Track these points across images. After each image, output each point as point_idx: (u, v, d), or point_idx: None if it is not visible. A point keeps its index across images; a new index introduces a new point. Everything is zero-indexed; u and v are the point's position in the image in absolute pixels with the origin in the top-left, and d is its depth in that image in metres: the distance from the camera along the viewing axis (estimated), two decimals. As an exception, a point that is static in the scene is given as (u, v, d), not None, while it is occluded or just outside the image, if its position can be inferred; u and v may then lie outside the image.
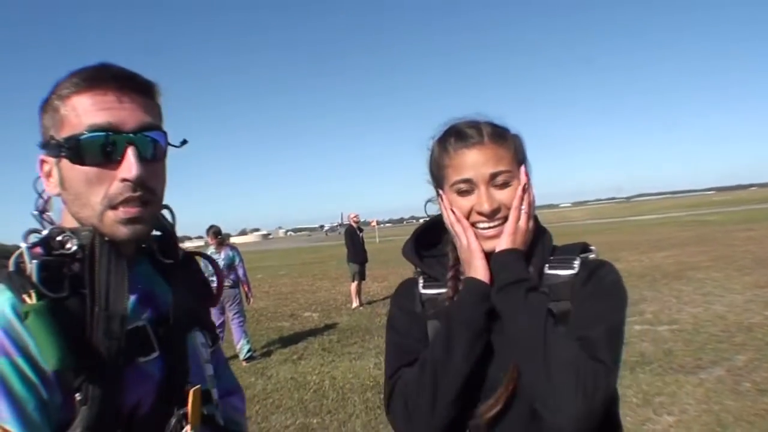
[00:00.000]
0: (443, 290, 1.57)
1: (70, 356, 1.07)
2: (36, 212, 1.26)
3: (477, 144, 1.47)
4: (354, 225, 14.52)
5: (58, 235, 1.20)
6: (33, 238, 1.19)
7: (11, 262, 1.14)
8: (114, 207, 1.18)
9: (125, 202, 1.18)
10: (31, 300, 1.07)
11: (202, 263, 1.61)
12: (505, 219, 1.47)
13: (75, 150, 1.16)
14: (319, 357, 9.16)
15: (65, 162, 1.18)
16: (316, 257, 38.88)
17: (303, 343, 10.40)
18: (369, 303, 14.41)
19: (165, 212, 1.41)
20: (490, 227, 1.47)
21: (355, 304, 13.89)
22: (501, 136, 1.50)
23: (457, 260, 1.58)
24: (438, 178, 1.57)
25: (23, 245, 1.15)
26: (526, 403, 1.37)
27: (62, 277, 1.14)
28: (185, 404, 1.26)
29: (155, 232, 1.40)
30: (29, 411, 1.06)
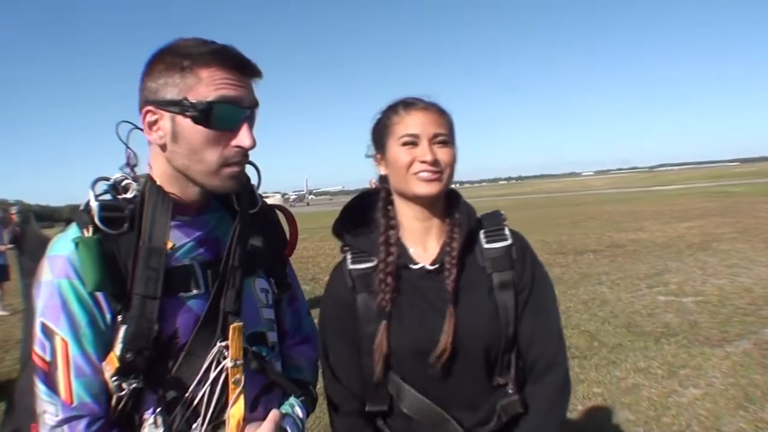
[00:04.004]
0: (370, 264, 1.76)
1: (107, 281, 1.32)
2: (125, 164, 1.48)
3: (423, 108, 1.73)
4: (374, 190, 14.43)
5: (122, 182, 1.45)
6: (102, 184, 1.44)
7: (83, 203, 1.40)
8: (228, 165, 1.42)
9: (237, 163, 1.43)
10: (88, 233, 1.35)
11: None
12: (441, 172, 1.69)
13: (204, 113, 1.36)
14: (340, 321, 9.10)
15: (184, 121, 1.37)
16: (336, 221, 38.74)
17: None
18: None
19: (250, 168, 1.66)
20: (429, 173, 1.67)
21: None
22: (441, 108, 1.76)
23: (388, 225, 1.79)
24: (382, 137, 1.77)
25: (90, 191, 1.39)
26: (468, 354, 1.67)
27: (123, 216, 1.38)
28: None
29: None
30: (82, 325, 1.33)
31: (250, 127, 1.44)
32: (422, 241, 1.79)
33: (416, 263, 1.75)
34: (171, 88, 1.38)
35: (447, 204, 1.81)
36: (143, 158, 1.51)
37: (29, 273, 1.47)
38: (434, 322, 1.67)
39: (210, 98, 1.35)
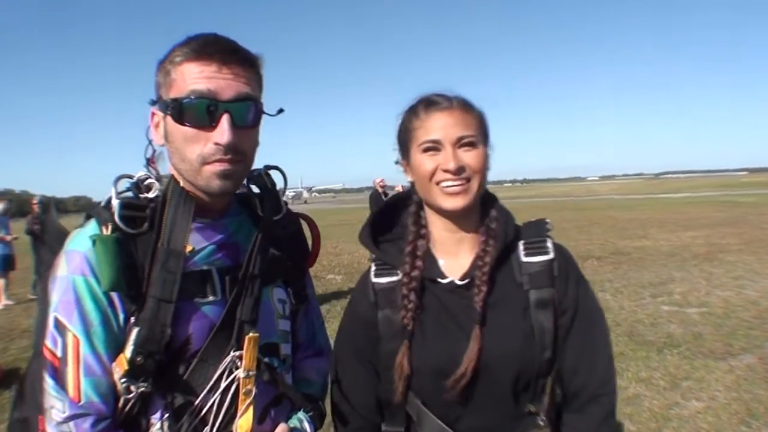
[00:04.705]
0: (395, 278, 1.65)
1: (122, 282, 1.29)
2: (145, 160, 1.47)
3: (446, 108, 1.57)
4: (380, 189, 14.43)
5: (145, 180, 1.43)
6: (125, 182, 1.42)
7: (104, 200, 1.40)
8: (208, 163, 1.35)
9: (218, 161, 1.35)
10: (107, 231, 1.33)
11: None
12: (468, 180, 1.54)
13: (178, 110, 1.33)
14: (343, 320, 9.05)
15: (169, 119, 1.36)
16: (341, 219, 38.68)
17: (326, 305, 10.25)
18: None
19: (275, 173, 1.65)
20: (453, 185, 1.53)
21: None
22: (468, 105, 1.60)
23: (418, 235, 1.68)
24: (405, 142, 1.64)
25: (113, 188, 1.38)
26: (494, 378, 1.53)
27: (143, 216, 1.37)
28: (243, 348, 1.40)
29: (255, 190, 1.63)
30: (95, 323, 1.32)
31: (239, 120, 1.36)
32: (454, 253, 1.65)
33: (445, 277, 1.63)
34: (162, 88, 1.39)
35: (482, 210, 1.67)
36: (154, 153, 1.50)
37: (47, 264, 1.46)
38: (459, 343, 1.54)
39: (182, 94, 1.33)
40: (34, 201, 13.47)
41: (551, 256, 1.60)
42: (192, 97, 1.32)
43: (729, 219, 24.10)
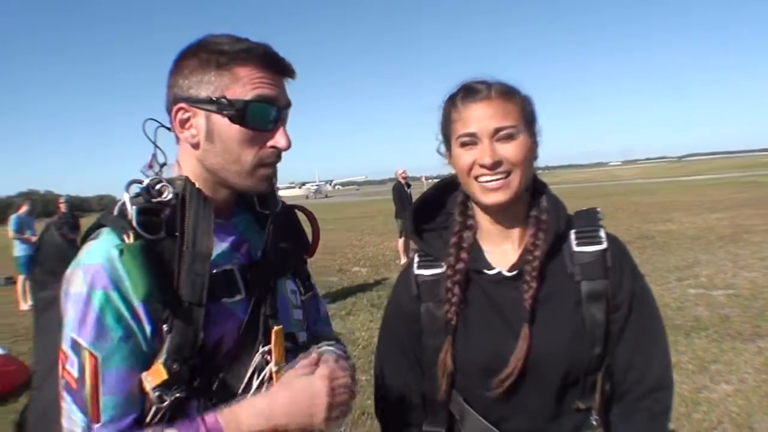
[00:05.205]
0: (439, 270, 1.62)
1: (156, 290, 1.24)
2: (149, 164, 1.41)
3: (484, 98, 1.50)
4: (402, 181, 14.42)
5: (157, 184, 1.36)
6: (135, 187, 1.36)
7: (116, 208, 1.35)
8: (263, 165, 1.40)
9: (271, 164, 1.41)
10: (129, 240, 1.25)
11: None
12: (508, 173, 1.48)
13: (241, 112, 1.33)
14: (368, 313, 9.14)
15: (221, 119, 1.34)
16: (364, 212, 38.87)
17: (352, 298, 10.39)
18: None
19: None
20: (492, 180, 1.48)
21: (403, 260, 13.75)
22: (509, 93, 1.52)
23: (464, 226, 1.63)
24: (446, 134, 1.60)
25: (125, 193, 1.33)
26: (541, 376, 1.49)
27: (159, 220, 1.32)
28: (270, 343, 1.41)
29: None
30: (115, 339, 1.24)
31: (285, 126, 1.42)
32: (501, 243, 1.60)
33: (492, 268, 1.57)
34: (206, 85, 1.34)
35: (531, 200, 1.61)
36: (165, 158, 1.44)
37: (42, 286, 1.41)
38: (505, 340, 1.50)
39: (247, 97, 1.33)
40: (61, 201, 13.59)
41: (604, 246, 1.54)
42: (260, 101, 1.34)
43: (753, 200, 23.83)
